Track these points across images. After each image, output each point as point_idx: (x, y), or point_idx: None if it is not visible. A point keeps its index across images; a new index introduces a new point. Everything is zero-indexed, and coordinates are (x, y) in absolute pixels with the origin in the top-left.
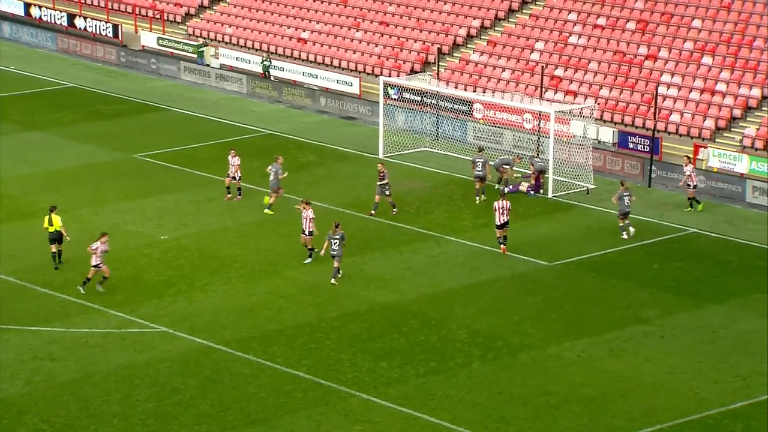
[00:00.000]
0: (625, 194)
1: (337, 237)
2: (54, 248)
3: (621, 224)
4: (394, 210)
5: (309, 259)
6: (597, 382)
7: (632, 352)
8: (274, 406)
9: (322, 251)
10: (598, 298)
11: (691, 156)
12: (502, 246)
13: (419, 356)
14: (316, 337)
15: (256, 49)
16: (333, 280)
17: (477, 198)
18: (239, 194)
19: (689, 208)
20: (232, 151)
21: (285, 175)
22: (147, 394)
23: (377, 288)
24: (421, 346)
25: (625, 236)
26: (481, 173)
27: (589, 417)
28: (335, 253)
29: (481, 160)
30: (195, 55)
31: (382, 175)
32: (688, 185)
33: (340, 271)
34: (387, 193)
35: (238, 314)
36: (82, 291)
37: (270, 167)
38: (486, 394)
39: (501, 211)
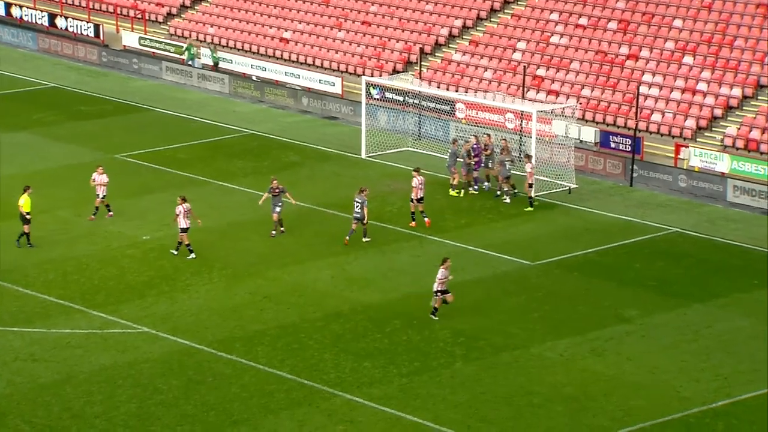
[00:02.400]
0: (506, 159)
1: (360, 201)
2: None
3: (506, 188)
4: (282, 229)
5: (192, 255)
6: (579, 382)
7: (614, 351)
8: (257, 406)
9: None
10: (580, 298)
11: (531, 154)
12: (426, 219)
13: (402, 356)
14: (299, 338)
15: (239, 49)
16: (347, 237)
17: (497, 192)
18: (109, 210)
19: (530, 208)
20: (100, 168)
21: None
22: (129, 394)
23: (360, 288)
24: (404, 346)
25: (507, 200)
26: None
27: (571, 416)
28: (358, 215)
29: (507, 160)
30: (179, 55)
31: (276, 190)
32: (530, 184)
33: (367, 234)
34: (277, 209)
35: (221, 315)
36: (435, 318)
37: (459, 145)
38: (469, 393)
39: (419, 187)
